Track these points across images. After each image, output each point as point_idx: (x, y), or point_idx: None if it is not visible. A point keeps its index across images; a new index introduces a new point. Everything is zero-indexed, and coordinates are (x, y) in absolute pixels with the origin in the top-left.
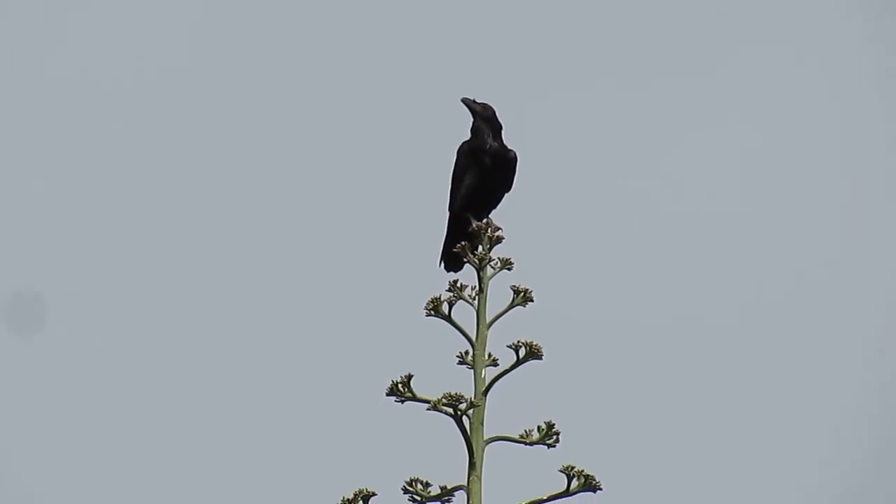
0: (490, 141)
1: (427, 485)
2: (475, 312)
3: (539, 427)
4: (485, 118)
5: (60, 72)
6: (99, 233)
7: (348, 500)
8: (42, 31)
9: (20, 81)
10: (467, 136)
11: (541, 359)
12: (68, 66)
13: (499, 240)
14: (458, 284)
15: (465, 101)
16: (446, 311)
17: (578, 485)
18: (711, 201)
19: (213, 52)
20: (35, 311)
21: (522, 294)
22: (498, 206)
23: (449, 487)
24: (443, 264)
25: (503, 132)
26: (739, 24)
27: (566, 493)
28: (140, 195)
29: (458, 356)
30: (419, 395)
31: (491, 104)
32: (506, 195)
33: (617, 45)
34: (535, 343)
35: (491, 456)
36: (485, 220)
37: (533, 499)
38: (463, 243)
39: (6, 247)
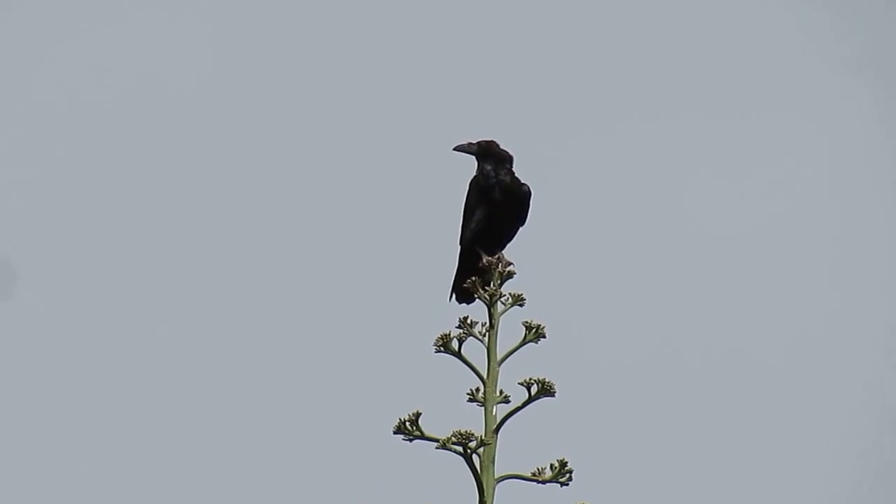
0: (500, 175)
1: None
2: (486, 349)
3: (552, 465)
4: (486, 155)
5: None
6: (86, 214)
7: None
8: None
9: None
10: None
11: (553, 396)
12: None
13: (510, 275)
14: (469, 320)
15: (459, 149)
16: (456, 348)
17: None
18: (721, 239)
19: (228, 67)
20: (3, 278)
21: (535, 330)
22: (512, 240)
23: None
24: (454, 297)
25: (514, 164)
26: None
27: None
28: (141, 193)
29: (468, 393)
30: (428, 433)
31: (491, 138)
32: (521, 229)
33: (635, 82)
34: (547, 380)
35: (502, 495)
36: (496, 255)
37: None
38: (473, 278)
39: None
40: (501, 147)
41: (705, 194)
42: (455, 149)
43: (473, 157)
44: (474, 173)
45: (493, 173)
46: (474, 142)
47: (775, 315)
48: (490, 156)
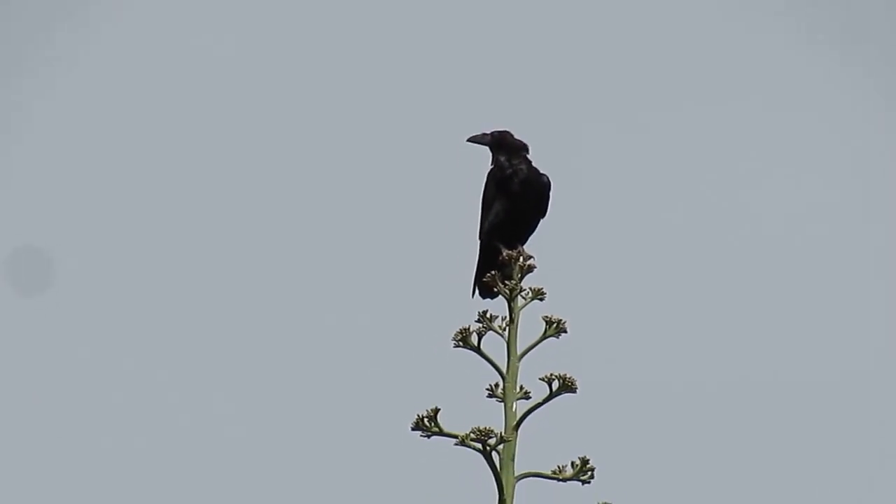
0: (515, 165)
1: None
2: (506, 343)
3: (573, 463)
4: (501, 146)
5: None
6: (113, 204)
7: None
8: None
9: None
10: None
11: (575, 392)
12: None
13: (530, 269)
14: (488, 315)
15: (473, 140)
16: (475, 343)
17: None
18: (747, 237)
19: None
20: (40, 270)
21: (555, 325)
22: (534, 233)
23: None
24: (476, 292)
25: (530, 153)
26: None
27: None
28: (153, 191)
29: (487, 389)
30: (446, 429)
31: (505, 129)
32: (542, 221)
33: (665, 73)
34: (569, 376)
35: (522, 493)
36: (516, 249)
37: None
38: (493, 273)
39: (11, 204)
40: (515, 137)
41: (738, 188)
42: (469, 140)
43: (488, 149)
44: (490, 165)
45: (507, 164)
46: (488, 132)
47: (805, 321)
48: (504, 146)
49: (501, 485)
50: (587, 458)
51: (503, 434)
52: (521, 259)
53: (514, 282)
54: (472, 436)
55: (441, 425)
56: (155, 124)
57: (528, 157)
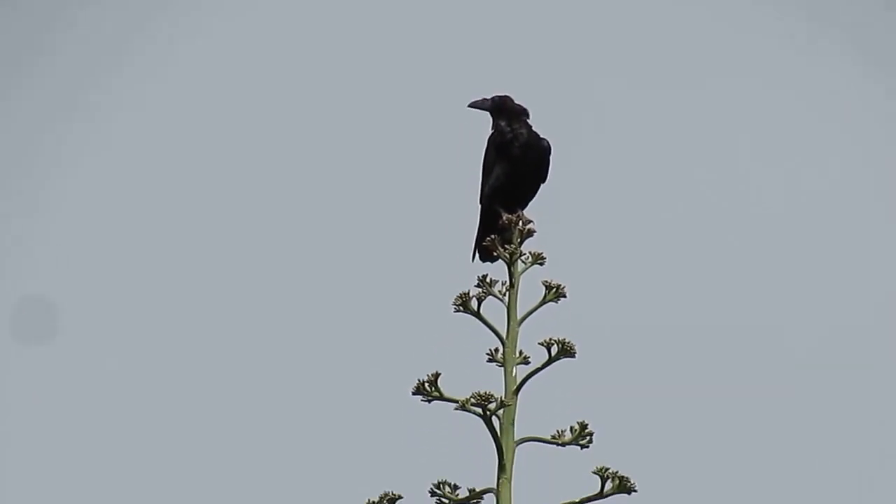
0: (516, 130)
1: (455, 487)
2: (505, 308)
3: (572, 427)
4: (501, 111)
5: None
6: (113, 238)
7: (374, 503)
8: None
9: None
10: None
11: (574, 357)
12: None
13: (530, 233)
14: (488, 279)
15: (473, 106)
16: (475, 308)
17: (613, 487)
18: (747, 201)
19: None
20: (44, 320)
21: (555, 290)
22: (534, 198)
23: (478, 490)
24: (476, 256)
25: (530, 118)
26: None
27: (600, 495)
28: (149, 201)
29: (487, 354)
30: (447, 394)
31: (505, 93)
32: (542, 187)
33: (668, 44)
34: (567, 340)
35: (521, 457)
36: (516, 214)
37: (565, 502)
38: (493, 237)
39: (13, 252)
40: (515, 102)
41: (738, 159)
42: (470, 105)
43: (489, 115)
44: (490, 130)
45: (507, 128)
46: (488, 98)
47: (806, 289)
48: (504, 111)
49: (501, 449)
50: (586, 422)
51: (503, 399)
52: (521, 223)
53: (513, 246)
54: (473, 400)
55: (441, 390)
56: (157, 125)
57: (529, 121)
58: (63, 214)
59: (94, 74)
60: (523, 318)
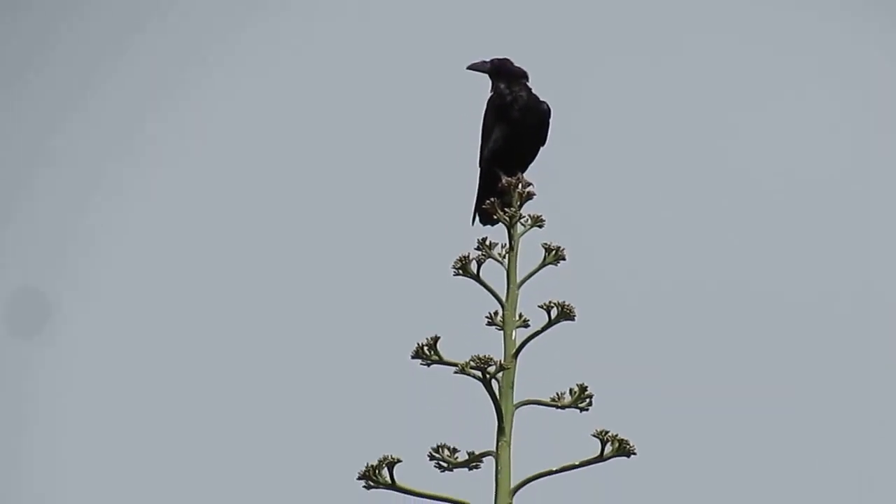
0: (515, 92)
1: (454, 451)
2: (505, 271)
3: (571, 390)
4: (500, 73)
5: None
6: (113, 233)
7: (373, 467)
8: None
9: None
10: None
11: (573, 320)
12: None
13: (529, 196)
14: (488, 242)
15: (473, 68)
16: (475, 271)
17: (612, 450)
18: (747, 162)
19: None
20: (38, 312)
21: (554, 252)
22: (534, 161)
23: (477, 453)
24: (476, 219)
25: (530, 81)
26: None
27: (600, 458)
28: (156, 196)
29: (486, 317)
30: (446, 357)
31: (504, 56)
32: (542, 149)
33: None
34: (567, 303)
35: (521, 420)
36: (515, 177)
37: (565, 465)
38: (492, 200)
39: (9, 245)
40: (515, 64)
41: (738, 119)
42: (468, 68)
43: (488, 77)
44: (490, 93)
45: (507, 91)
46: (487, 60)
47: (814, 254)
48: (503, 74)
49: (501, 412)
50: (585, 385)
51: (502, 362)
52: (521, 186)
53: (513, 209)
54: (472, 364)
55: (441, 353)
56: (156, 123)
57: (528, 84)
58: (62, 213)
59: (94, 74)
60: (523, 281)
